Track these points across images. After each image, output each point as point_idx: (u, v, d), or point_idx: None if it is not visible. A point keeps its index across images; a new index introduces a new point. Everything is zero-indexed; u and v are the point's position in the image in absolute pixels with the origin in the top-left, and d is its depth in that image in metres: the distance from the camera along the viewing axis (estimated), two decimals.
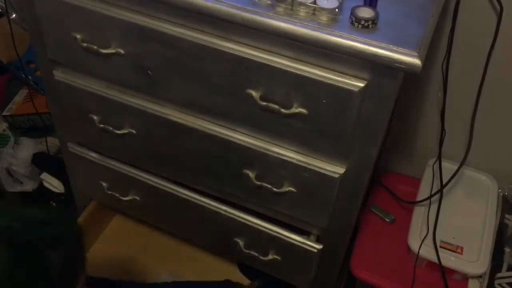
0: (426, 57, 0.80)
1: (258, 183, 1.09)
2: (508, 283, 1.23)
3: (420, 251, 1.23)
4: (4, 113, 1.68)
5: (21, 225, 0.73)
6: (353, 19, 0.82)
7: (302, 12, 0.84)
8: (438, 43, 1.21)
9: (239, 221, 1.23)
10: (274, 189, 1.09)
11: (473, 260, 1.22)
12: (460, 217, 1.32)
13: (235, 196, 1.21)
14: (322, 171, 1.02)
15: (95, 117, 1.20)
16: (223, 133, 1.08)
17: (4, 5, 1.49)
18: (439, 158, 1.24)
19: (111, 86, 1.15)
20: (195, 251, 1.55)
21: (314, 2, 0.84)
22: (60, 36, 1.09)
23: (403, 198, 1.40)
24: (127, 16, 0.99)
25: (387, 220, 1.38)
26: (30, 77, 1.64)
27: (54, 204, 1.74)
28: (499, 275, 1.24)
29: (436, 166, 1.27)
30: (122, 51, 1.04)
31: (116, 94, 1.14)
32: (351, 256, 1.31)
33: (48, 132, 1.64)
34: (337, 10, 0.83)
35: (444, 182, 1.25)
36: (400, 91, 0.88)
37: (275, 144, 1.05)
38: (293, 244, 1.20)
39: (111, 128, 1.19)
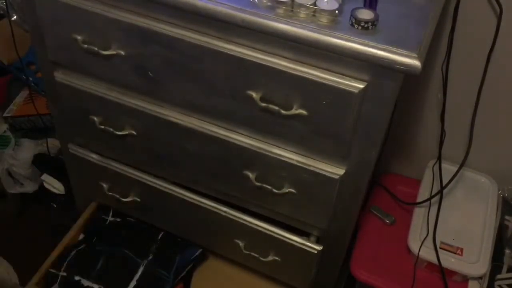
0: (426, 58, 0.81)
1: (258, 184, 1.09)
2: (508, 285, 1.23)
3: (420, 252, 1.23)
4: (5, 114, 1.68)
5: None
6: (353, 20, 0.82)
7: (302, 13, 0.85)
8: (438, 45, 1.22)
9: (239, 222, 1.23)
10: (274, 190, 1.09)
11: (473, 261, 1.22)
12: (460, 219, 1.32)
13: (235, 197, 1.21)
14: (322, 172, 1.02)
15: (95, 118, 1.20)
16: (223, 134, 1.08)
17: (5, 7, 1.50)
18: (439, 159, 1.24)
19: (112, 88, 1.15)
20: None
21: (314, 4, 0.84)
22: (61, 37, 1.09)
23: (403, 199, 1.40)
24: (127, 18, 0.99)
25: (387, 221, 1.38)
26: (30, 78, 1.65)
27: (54, 205, 1.74)
28: (499, 276, 1.24)
29: (436, 167, 1.27)
30: (122, 53, 1.04)
31: (116, 95, 1.15)
32: (351, 257, 1.31)
33: (48, 133, 1.64)
34: (337, 11, 0.84)
35: (444, 184, 1.25)
36: (400, 92, 0.89)
37: (275, 145, 1.05)
38: (293, 245, 1.20)
39: (111, 129, 1.19)
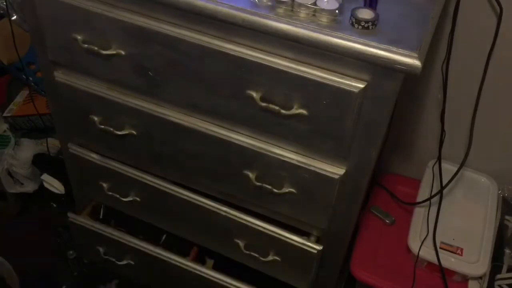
0: (426, 58, 0.81)
1: (258, 184, 1.09)
2: (508, 284, 1.23)
3: (420, 252, 1.23)
4: (5, 114, 1.69)
5: None
6: (353, 20, 0.83)
7: (302, 13, 0.85)
8: (438, 44, 1.22)
9: (239, 222, 1.23)
10: (274, 190, 1.09)
11: (473, 261, 1.22)
12: (460, 218, 1.32)
13: (235, 197, 1.21)
14: (322, 172, 1.02)
15: (95, 118, 1.20)
16: (223, 134, 1.08)
17: (5, 7, 1.50)
18: (439, 159, 1.24)
19: (112, 87, 1.15)
20: None
21: (314, 4, 0.84)
22: (61, 37, 1.09)
23: (403, 199, 1.40)
24: (127, 17, 0.99)
25: (387, 221, 1.38)
26: (30, 78, 1.65)
27: (54, 205, 1.74)
28: (499, 276, 1.25)
29: (436, 167, 1.27)
30: (122, 52, 1.04)
31: (116, 95, 1.15)
32: (351, 257, 1.31)
33: (48, 133, 1.64)
34: (337, 11, 0.84)
35: (444, 183, 1.26)
36: (400, 92, 0.89)
37: (275, 145, 1.05)
38: (293, 245, 1.20)
39: (111, 129, 1.19)
